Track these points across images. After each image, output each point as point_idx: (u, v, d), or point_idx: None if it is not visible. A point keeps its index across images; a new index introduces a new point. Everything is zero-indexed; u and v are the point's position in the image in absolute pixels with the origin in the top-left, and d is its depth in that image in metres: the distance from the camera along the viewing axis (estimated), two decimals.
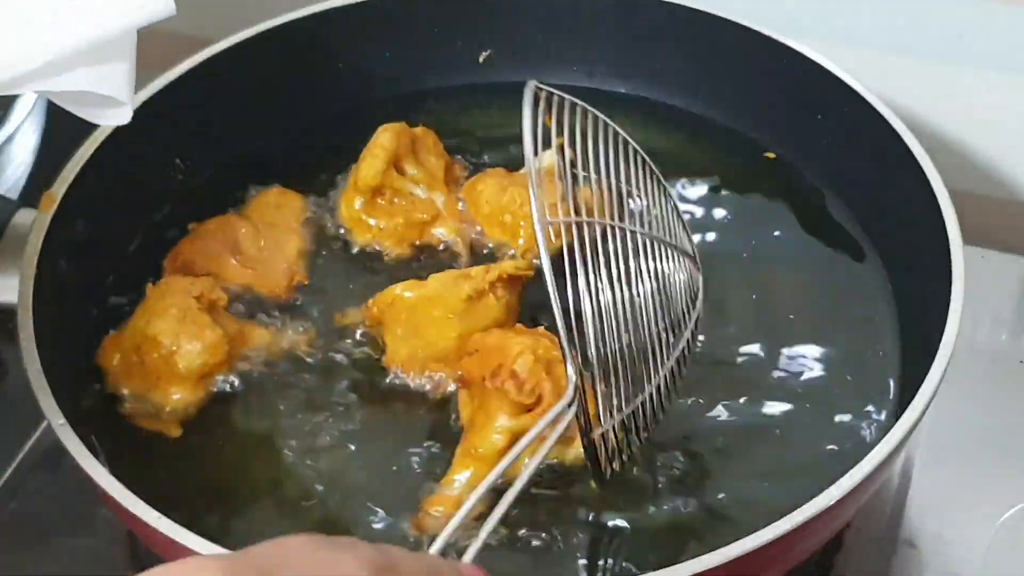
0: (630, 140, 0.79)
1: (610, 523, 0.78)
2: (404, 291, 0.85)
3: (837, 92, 0.96)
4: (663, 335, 0.75)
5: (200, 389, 0.84)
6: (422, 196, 0.96)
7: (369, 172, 0.93)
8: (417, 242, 0.95)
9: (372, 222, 0.95)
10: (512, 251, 0.94)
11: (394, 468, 0.81)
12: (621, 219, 0.74)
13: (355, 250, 0.95)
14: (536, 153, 0.68)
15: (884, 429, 0.74)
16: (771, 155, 1.02)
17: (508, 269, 0.86)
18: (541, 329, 0.83)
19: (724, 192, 1.00)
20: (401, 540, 0.76)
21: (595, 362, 0.69)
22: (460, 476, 0.79)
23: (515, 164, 0.98)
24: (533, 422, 0.74)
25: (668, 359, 0.75)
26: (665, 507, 0.78)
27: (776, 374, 0.86)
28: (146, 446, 0.82)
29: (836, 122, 0.98)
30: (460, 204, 0.97)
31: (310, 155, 1.03)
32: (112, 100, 0.73)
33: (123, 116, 0.75)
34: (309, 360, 0.87)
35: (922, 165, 0.88)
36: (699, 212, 0.98)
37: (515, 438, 0.77)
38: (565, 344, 0.68)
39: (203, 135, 0.99)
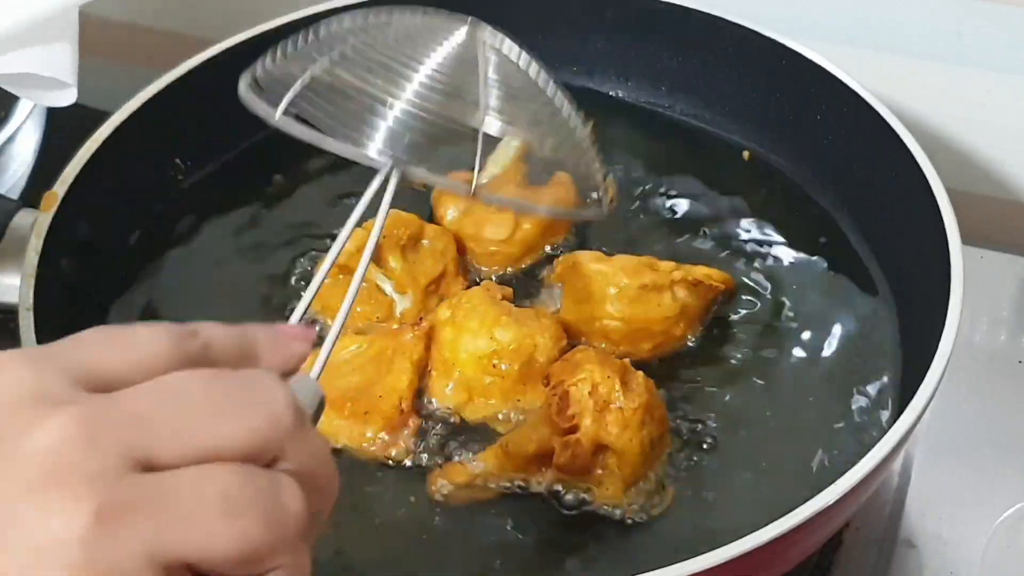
0: None
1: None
2: (586, 260, 0.86)
3: (836, 92, 0.96)
4: None
5: None
6: (387, 292, 0.87)
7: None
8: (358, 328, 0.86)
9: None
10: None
11: None
12: None
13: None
14: None
15: (883, 429, 0.74)
16: (746, 154, 1.03)
17: (697, 273, 0.85)
18: (640, 376, 0.79)
19: (722, 192, 1.00)
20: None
21: None
22: (483, 462, 0.78)
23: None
24: (562, 448, 0.75)
25: None
26: (661, 506, 0.78)
27: (773, 373, 0.87)
28: None
29: (835, 122, 0.98)
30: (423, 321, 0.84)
31: (310, 155, 1.03)
32: (56, 82, 0.72)
33: (68, 97, 0.74)
34: None
35: (921, 165, 0.88)
36: (697, 212, 0.98)
37: (543, 451, 0.77)
38: None
39: (203, 135, 0.98)
